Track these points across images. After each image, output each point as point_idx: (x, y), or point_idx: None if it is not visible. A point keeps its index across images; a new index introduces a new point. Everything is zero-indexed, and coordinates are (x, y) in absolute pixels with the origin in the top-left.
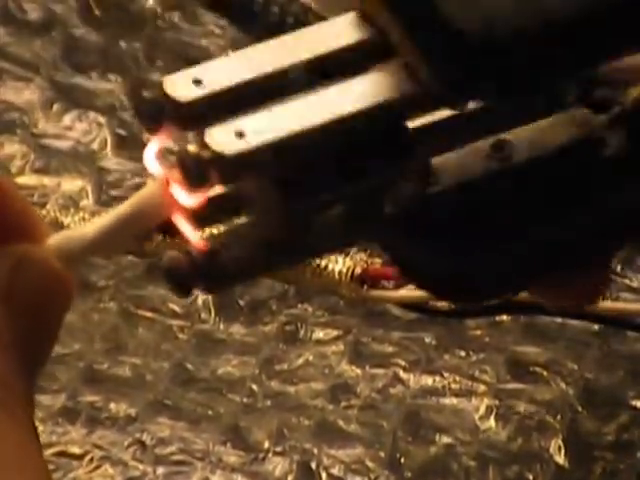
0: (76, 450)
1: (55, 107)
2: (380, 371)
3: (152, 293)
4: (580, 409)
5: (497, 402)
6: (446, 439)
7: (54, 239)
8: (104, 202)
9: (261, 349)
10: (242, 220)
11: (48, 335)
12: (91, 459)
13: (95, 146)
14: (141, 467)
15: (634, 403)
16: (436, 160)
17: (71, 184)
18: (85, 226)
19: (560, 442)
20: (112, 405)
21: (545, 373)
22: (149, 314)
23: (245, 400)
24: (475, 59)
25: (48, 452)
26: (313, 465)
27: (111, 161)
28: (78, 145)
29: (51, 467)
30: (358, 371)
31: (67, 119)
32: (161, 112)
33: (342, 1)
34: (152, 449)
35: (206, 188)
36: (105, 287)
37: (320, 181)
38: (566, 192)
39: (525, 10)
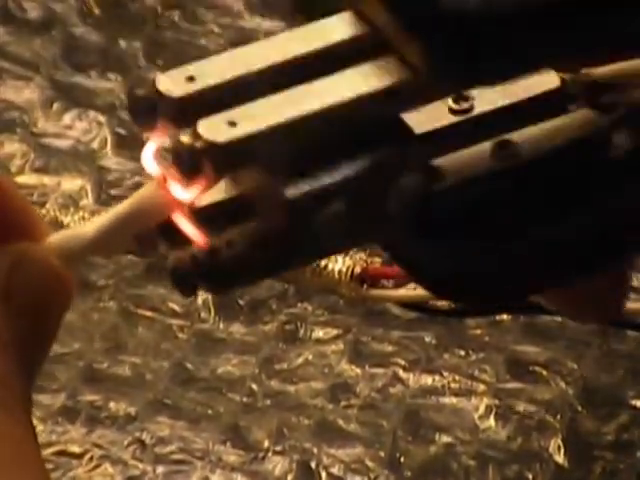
0: (76, 449)
1: (55, 106)
2: (380, 370)
3: (152, 292)
4: (580, 409)
5: (497, 401)
6: (446, 438)
7: (54, 238)
8: (104, 201)
9: (261, 348)
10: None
11: (47, 334)
12: (91, 458)
13: (95, 145)
14: (141, 466)
15: (634, 403)
16: (440, 159)
17: (71, 183)
18: (85, 225)
19: (560, 442)
20: (112, 404)
21: (545, 372)
22: (149, 313)
23: (245, 399)
24: (474, 39)
25: (48, 451)
26: (313, 464)
27: (111, 160)
28: (78, 144)
29: (51, 466)
30: (358, 370)
31: (67, 118)
32: (154, 109)
33: None
34: (152, 448)
35: (202, 182)
36: (105, 286)
37: (316, 170)
38: (570, 193)
39: None
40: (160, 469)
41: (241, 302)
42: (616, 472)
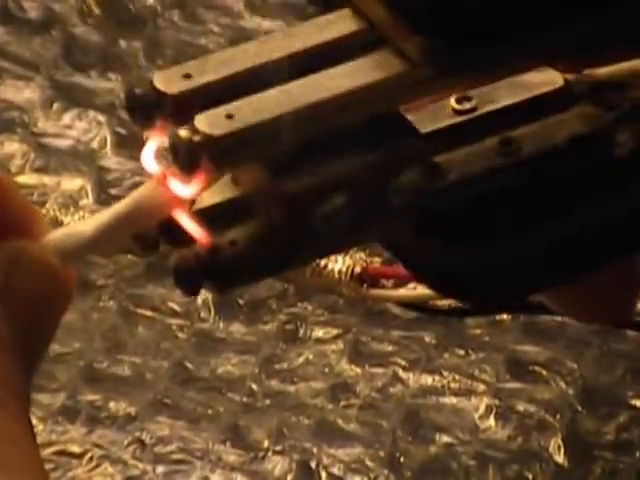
0: (76, 449)
1: (55, 106)
2: (380, 370)
3: (152, 292)
4: (580, 408)
5: (497, 401)
6: (446, 438)
7: (52, 236)
8: (104, 201)
9: (261, 348)
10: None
11: (46, 334)
12: (91, 458)
13: (95, 145)
14: (141, 466)
15: (634, 402)
16: (442, 157)
17: (71, 183)
18: (84, 223)
19: (560, 441)
20: (112, 404)
21: (545, 372)
22: (149, 313)
23: (245, 399)
24: (472, 31)
25: (48, 451)
26: (313, 464)
27: (111, 160)
28: (78, 144)
29: (51, 466)
30: (358, 370)
31: (67, 118)
32: (151, 107)
33: None
34: (152, 448)
35: (201, 176)
36: (105, 286)
37: (315, 165)
38: (573, 191)
39: None
40: (160, 469)
41: (241, 302)
42: (616, 472)
